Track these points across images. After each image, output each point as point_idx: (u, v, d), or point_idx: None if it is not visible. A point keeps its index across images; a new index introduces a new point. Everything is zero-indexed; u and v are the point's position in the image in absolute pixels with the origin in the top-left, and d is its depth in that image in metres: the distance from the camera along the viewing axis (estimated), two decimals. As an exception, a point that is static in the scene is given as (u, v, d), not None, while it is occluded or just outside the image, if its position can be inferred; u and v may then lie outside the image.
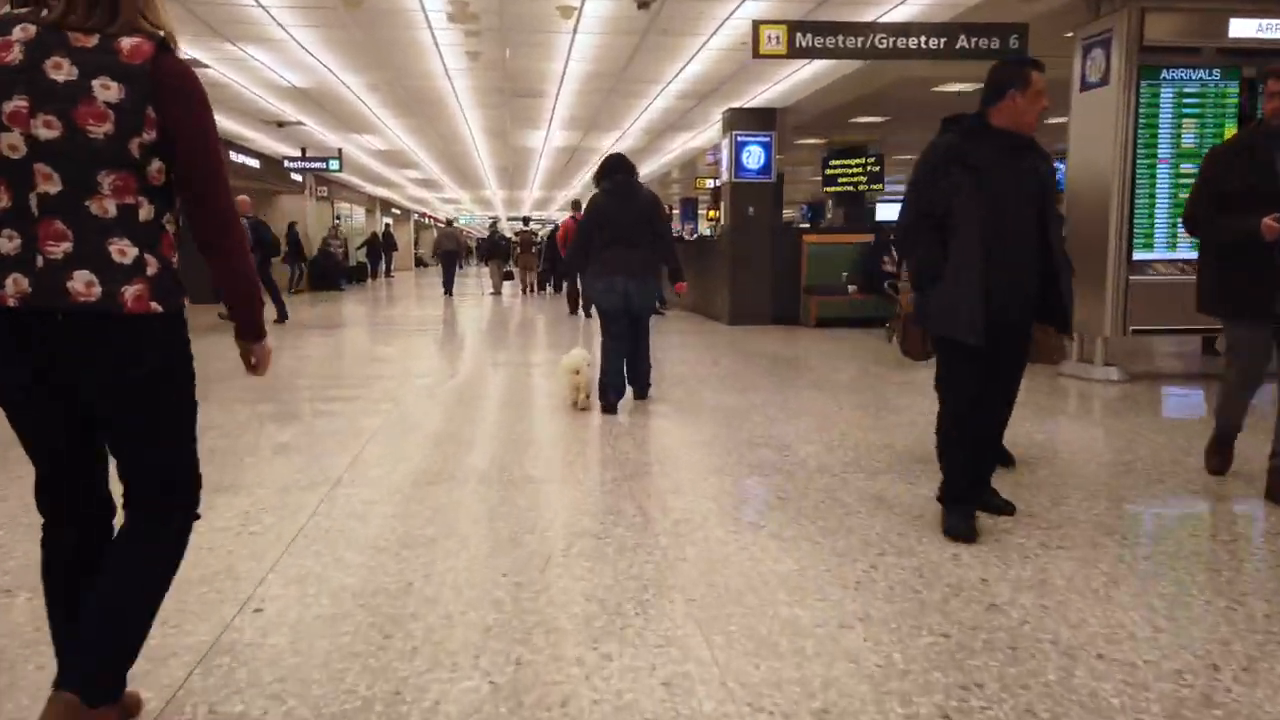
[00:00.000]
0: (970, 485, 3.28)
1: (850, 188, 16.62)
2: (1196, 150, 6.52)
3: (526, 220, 24.75)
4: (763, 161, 11.82)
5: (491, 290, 19.69)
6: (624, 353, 5.62)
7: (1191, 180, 4.10)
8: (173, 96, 1.62)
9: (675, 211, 37.30)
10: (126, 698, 1.87)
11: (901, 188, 28.52)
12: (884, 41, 7.43)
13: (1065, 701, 2.05)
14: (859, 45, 7.43)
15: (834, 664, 2.24)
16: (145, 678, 2.11)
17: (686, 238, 19.39)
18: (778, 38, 7.30)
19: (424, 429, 5.16)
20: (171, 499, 1.81)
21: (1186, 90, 6.62)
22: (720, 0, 7.60)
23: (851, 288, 11.50)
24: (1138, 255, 6.65)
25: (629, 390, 5.78)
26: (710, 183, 20.59)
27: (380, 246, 27.71)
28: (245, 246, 1.79)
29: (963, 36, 7.47)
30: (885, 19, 7.95)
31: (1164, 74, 6.57)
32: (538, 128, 14.09)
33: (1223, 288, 3.79)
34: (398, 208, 37.69)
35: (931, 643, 2.36)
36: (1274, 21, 6.52)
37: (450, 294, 18.10)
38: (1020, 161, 3.17)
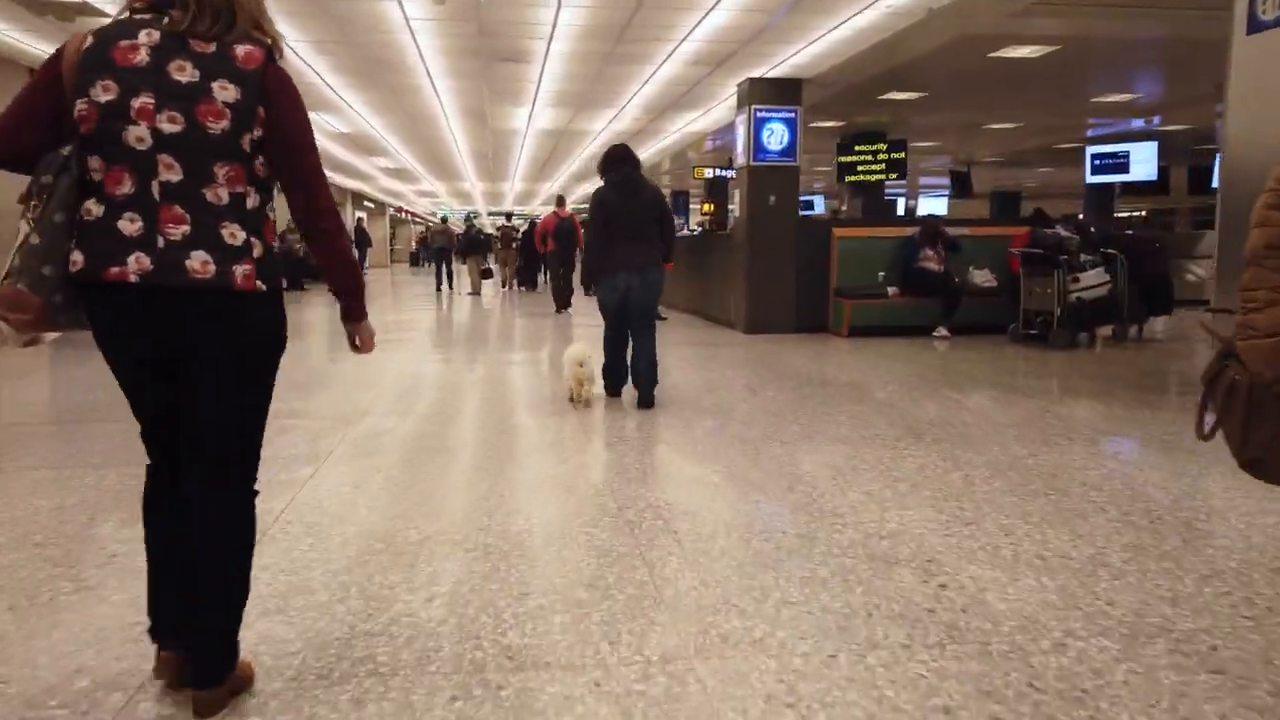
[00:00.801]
0: None
1: (870, 177, 14.92)
2: None
3: (509, 215, 22.85)
4: (786, 141, 10.06)
5: (470, 290, 17.86)
6: (622, 344, 5.64)
7: None
8: (279, 98, 1.80)
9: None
10: (241, 667, 1.99)
11: (933, 181, 26.75)
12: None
13: None
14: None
15: None
16: None
17: (689, 232, 17.60)
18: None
19: (347, 527, 3.35)
20: (239, 469, 1.92)
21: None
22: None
23: (892, 290, 9.79)
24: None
25: (631, 397, 5.63)
26: (710, 172, 18.80)
27: (352, 243, 25.66)
28: (344, 232, 1.96)
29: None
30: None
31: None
32: (520, 104, 12.24)
33: None
34: (371, 201, 35.63)
35: None
36: None
37: (440, 289, 18.42)
38: None
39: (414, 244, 41.01)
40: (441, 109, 12.66)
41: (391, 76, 10.55)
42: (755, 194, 10.07)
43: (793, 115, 10.04)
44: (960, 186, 20.91)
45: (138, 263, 1.71)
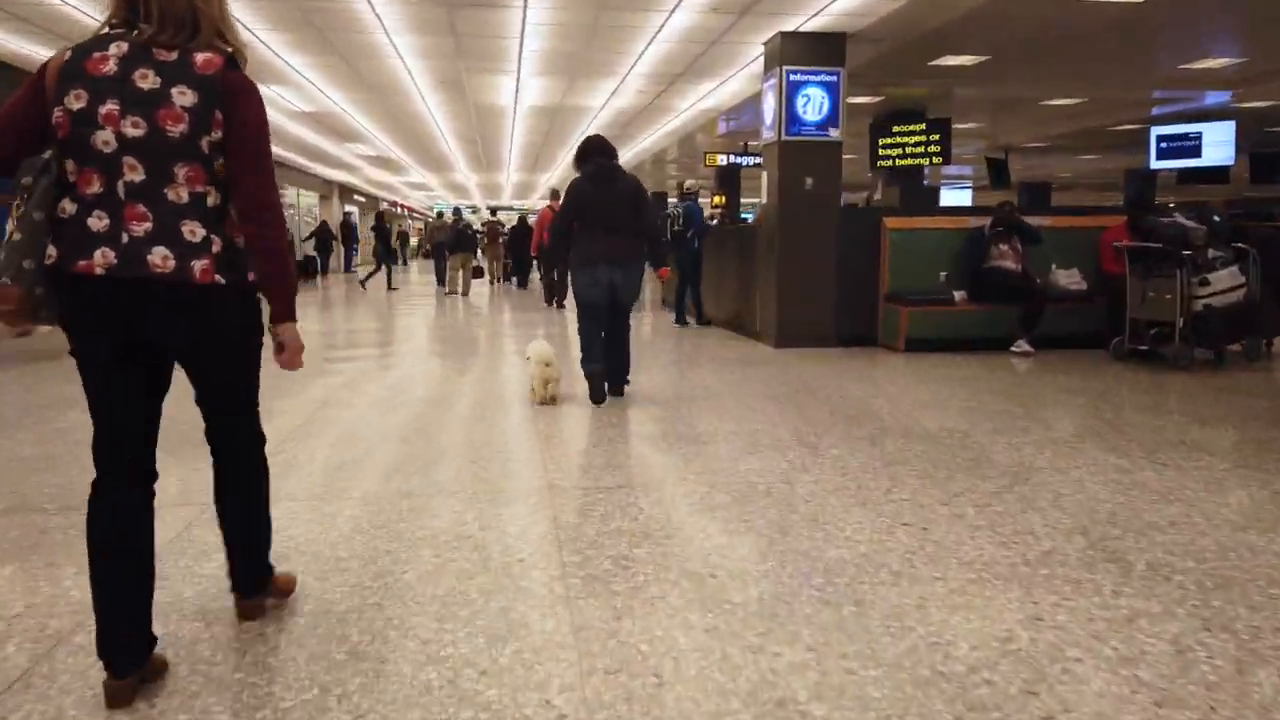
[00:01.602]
0: None
1: (908, 161, 13.02)
2: None
3: (494, 210, 20.91)
4: (826, 110, 8.16)
5: (460, 290, 15.99)
6: (601, 333, 5.35)
7: None
8: (235, 101, 1.88)
9: (672, 201, 33.52)
10: (279, 580, 2.39)
11: (959, 170, 24.84)
12: None
13: None
14: None
15: None
16: None
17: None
18: None
19: None
20: (246, 416, 2.14)
21: None
22: None
23: (959, 294, 7.90)
24: None
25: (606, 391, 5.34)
26: (723, 159, 16.87)
27: (331, 237, 23.78)
28: (281, 226, 2.00)
29: None
30: None
31: None
32: (503, 69, 10.34)
33: None
34: (360, 194, 33.73)
35: None
36: None
37: (443, 284, 17.04)
38: None
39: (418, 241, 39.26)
40: (410, 77, 10.76)
41: (341, 37, 8.67)
42: (788, 176, 8.18)
43: (834, 78, 8.15)
44: (998, 175, 18.97)
45: (103, 256, 1.81)
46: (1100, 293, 7.78)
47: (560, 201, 12.20)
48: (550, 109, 13.02)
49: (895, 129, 12.83)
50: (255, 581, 2.29)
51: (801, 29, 8.03)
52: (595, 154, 5.33)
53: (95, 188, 1.82)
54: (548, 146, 18.09)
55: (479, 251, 17.87)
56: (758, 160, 17.39)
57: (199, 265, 1.84)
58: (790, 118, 8.09)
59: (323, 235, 23.25)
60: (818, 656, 2.12)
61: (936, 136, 12.57)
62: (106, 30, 1.89)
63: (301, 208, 26.35)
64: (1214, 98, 12.95)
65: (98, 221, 1.81)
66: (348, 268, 27.53)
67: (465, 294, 16.01)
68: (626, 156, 21.01)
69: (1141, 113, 14.26)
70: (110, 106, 1.79)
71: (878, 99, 12.55)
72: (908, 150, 12.95)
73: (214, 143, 1.85)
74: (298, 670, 2.07)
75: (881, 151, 12.95)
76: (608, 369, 5.36)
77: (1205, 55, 9.98)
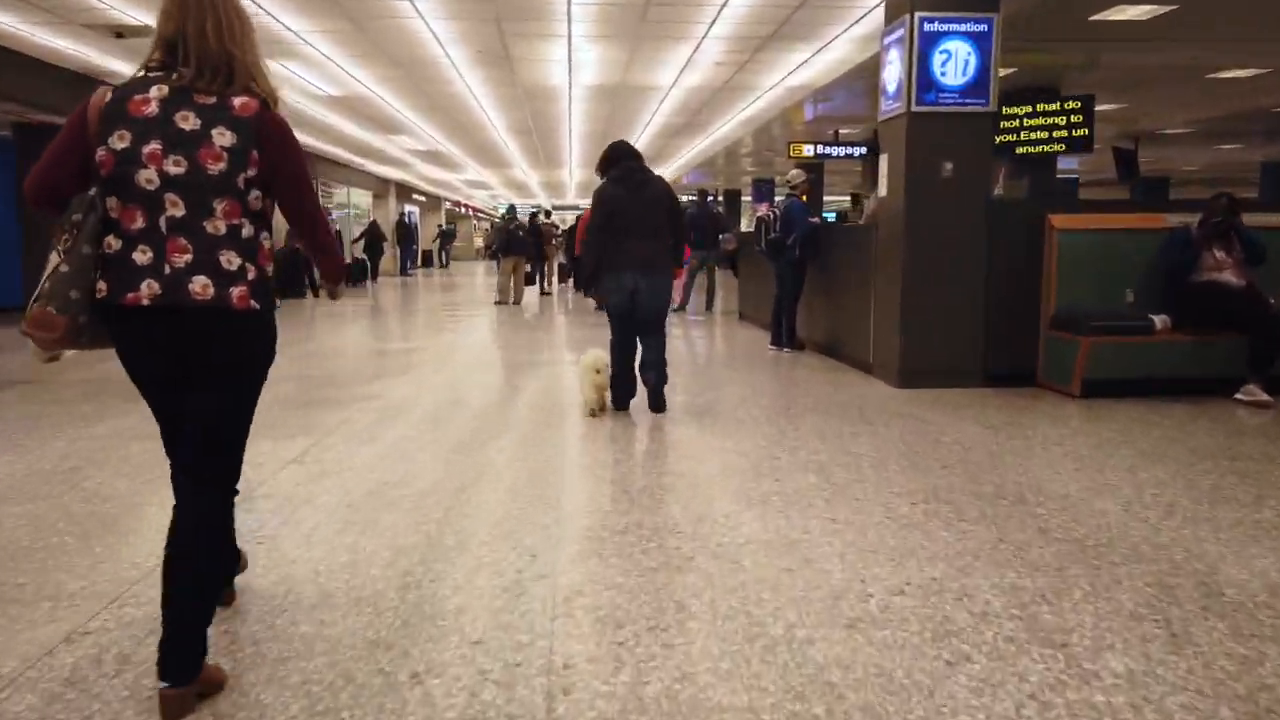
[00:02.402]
0: None
1: (1038, 148, 10.79)
2: None
3: (542, 212, 19.06)
4: (973, 71, 6.09)
5: (510, 299, 14.31)
6: (631, 350, 5.30)
7: None
8: (271, 141, 1.99)
9: (747, 199, 31.12)
10: (210, 670, 2.06)
11: (1065, 164, 22.28)
12: None
13: None
14: None
15: None
16: None
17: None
18: None
19: None
20: (225, 468, 2.11)
21: None
22: None
23: (1159, 319, 5.75)
24: None
25: (643, 403, 5.31)
26: (809, 149, 14.77)
27: (382, 239, 22.39)
28: (325, 229, 2.21)
29: None
30: None
31: None
32: (551, 32, 8.51)
33: None
34: (420, 193, 32.50)
35: None
36: None
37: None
38: None
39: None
40: (440, 46, 9.01)
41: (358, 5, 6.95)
42: (918, 160, 6.13)
43: (985, 28, 6.07)
44: (1126, 168, 16.48)
45: (149, 288, 1.91)
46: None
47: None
48: (610, 88, 11.17)
49: (1016, 109, 10.61)
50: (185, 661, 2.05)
51: (939, -38, 5.97)
52: (624, 158, 5.23)
53: (139, 223, 1.92)
54: (611, 136, 16.27)
55: (532, 256, 16.02)
56: (850, 151, 15.30)
57: (236, 292, 1.95)
58: (923, 81, 6.04)
59: (373, 236, 21.88)
60: None
61: (1080, 119, 10.31)
62: (144, 73, 1.98)
63: (354, 206, 25.15)
64: None
65: (142, 255, 1.92)
66: (404, 270, 26.27)
67: (517, 302, 14.33)
68: (696, 149, 19.06)
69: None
70: (153, 146, 1.90)
71: (1006, 70, 10.37)
72: (1038, 133, 10.73)
73: (249, 179, 1.96)
74: None
75: (1012, 131, 10.75)
76: (635, 377, 5.32)
77: None
